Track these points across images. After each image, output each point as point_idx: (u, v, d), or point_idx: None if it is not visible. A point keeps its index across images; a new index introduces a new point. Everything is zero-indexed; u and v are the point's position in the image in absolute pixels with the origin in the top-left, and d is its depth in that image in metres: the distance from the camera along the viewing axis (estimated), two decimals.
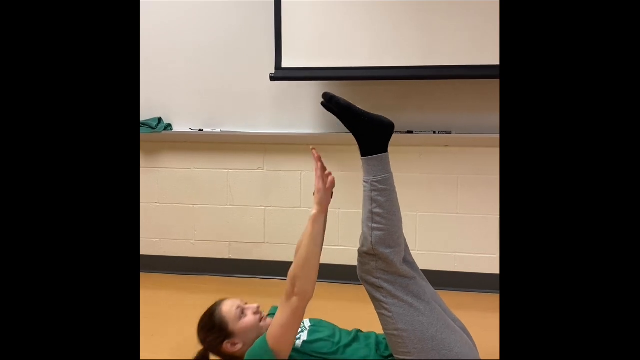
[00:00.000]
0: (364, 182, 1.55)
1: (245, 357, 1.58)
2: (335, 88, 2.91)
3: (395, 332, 1.50)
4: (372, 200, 1.52)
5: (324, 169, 1.61)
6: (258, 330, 1.64)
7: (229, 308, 1.67)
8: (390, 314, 1.50)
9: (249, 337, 1.63)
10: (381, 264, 1.51)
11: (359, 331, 1.77)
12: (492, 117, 2.76)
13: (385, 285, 1.51)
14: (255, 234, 3.12)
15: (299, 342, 1.64)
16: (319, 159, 1.62)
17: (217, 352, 1.67)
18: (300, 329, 1.70)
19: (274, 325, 1.53)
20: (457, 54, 2.58)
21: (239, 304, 1.69)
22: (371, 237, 1.51)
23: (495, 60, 2.51)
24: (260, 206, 3.09)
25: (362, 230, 1.54)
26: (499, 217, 2.80)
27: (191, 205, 3.16)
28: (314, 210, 1.56)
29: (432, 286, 1.67)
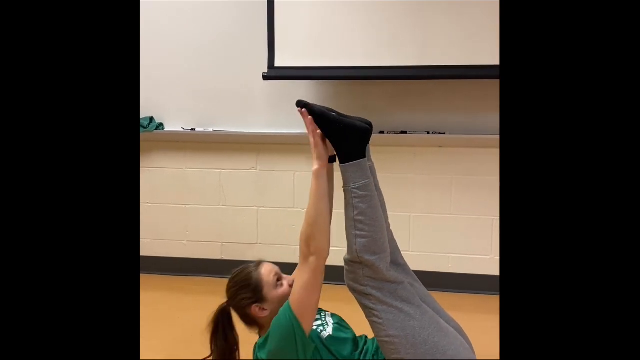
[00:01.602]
0: (344, 189, 1.53)
1: (271, 325, 1.53)
2: (329, 87, 2.90)
3: (387, 339, 1.48)
4: (354, 207, 1.50)
5: (314, 124, 1.55)
6: None
7: (267, 272, 1.62)
8: (380, 321, 1.48)
9: (279, 307, 1.57)
10: (368, 271, 1.49)
11: (366, 337, 1.74)
12: (487, 118, 2.75)
13: (373, 292, 1.49)
14: (249, 235, 3.09)
15: (324, 334, 1.61)
16: (307, 114, 1.56)
17: (242, 311, 1.63)
18: (322, 323, 1.66)
19: (295, 290, 1.50)
20: (452, 54, 2.58)
21: (277, 271, 1.65)
22: (355, 245, 1.49)
23: (491, 61, 2.50)
24: (254, 206, 3.07)
25: (346, 238, 1.52)
26: (493, 218, 2.81)
27: (183, 206, 3.14)
28: (314, 166, 1.52)
29: (426, 287, 1.65)
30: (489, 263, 2.84)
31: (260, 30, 2.79)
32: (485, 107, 2.77)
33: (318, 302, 1.52)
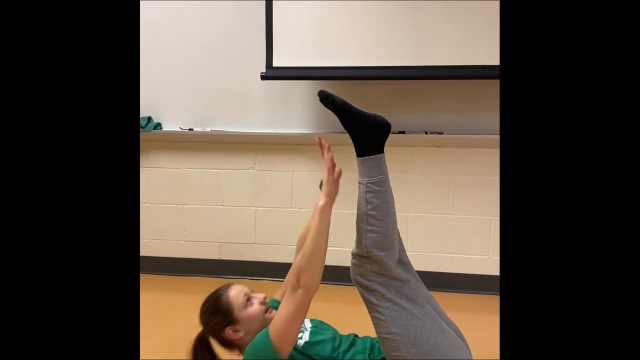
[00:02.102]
0: (359, 183, 1.52)
1: (246, 351, 1.54)
2: (327, 87, 2.88)
3: (388, 336, 1.48)
4: (367, 201, 1.49)
5: (332, 160, 1.55)
6: (262, 321, 1.61)
7: (236, 294, 1.64)
8: (383, 317, 1.48)
9: (252, 327, 1.60)
10: (375, 266, 1.48)
11: (355, 336, 1.74)
12: (485, 118, 2.76)
13: (378, 288, 1.48)
14: (246, 235, 3.09)
15: (300, 342, 1.61)
16: (328, 149, 1.55)
17: (217, 337, 1.64)
18: (302, 329, 1.67)
19: (277, 319, 1.50)
20: (450, 54, 2.58)
21: (246, 292, 1.66)
22: (365, 239, 1.49)
23: (488, 61, 2.51)
24: (251, 206, 3.07)
25: (356, 232, 1.52)
26: (491, 217, 2.81)
27: (181, 206, 3.13)
28: (321, 201, 1.50)
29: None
30: (486, 263, 2.84)
31: (258, 30, 2.79)
32: (483, 107, 2.78)
33: (298, 332, 1.52)
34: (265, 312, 1.64)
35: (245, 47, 2.92)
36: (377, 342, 1.65)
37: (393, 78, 2.72)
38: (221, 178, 3.08)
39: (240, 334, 1.60)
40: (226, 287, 1.68)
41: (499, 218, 2.93)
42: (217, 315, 1.62)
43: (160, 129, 3.06)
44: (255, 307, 1.63)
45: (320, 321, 1.78)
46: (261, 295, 1.68)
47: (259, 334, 1.53)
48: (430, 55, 2.61)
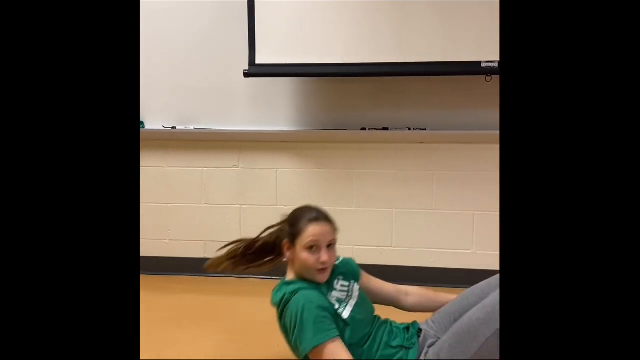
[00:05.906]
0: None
1: (289, 315, 1.53)
2: (310, 84, 2.90)
3: None
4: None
5: None
6: (309, 274, 1.59)
7: (310, 233, 1.58)
8: None
9: (298, 265, 1.61)
10: None
11: (378, 318, 1.71)
12: (467, 114, 2.78)
13: None
14: (231, 233, 3.06)
15: (346, 314, 1.57)
16: None
17: (279, 239, 1.73)
18: (348, 294, 1.65)
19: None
20: (433, 50, 2.59)
21: (318, 240, 1.57)
22: None
23: (471, 57, 2.53)
24: (236, 204, 3.06)
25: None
26: (474, 212, 2.84)
27: (165, 205, 3.11)
28: None
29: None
30: (471, 257, 2.87)
31: (240, 27, 2.78)
32: (466, 103, 2.80)
33: None
34: (319, 272, 1.57)
35: (228, 44, 2.91)
36: (395, 327, 1.66)
37: (376, 75, 2.73)
38: (205, 176, 3.06)
39: (289, 255, 1.65)
40: (312, 219, 1.60)
41: (482, 213, 2.96)
42: (288, 227, 1.68)
43: (143, 127, 3.03)
44: (307, 256, 1.57)
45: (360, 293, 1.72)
46: (325, 259, 1.56)
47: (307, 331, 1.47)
48: (413, 52, 2.62)
